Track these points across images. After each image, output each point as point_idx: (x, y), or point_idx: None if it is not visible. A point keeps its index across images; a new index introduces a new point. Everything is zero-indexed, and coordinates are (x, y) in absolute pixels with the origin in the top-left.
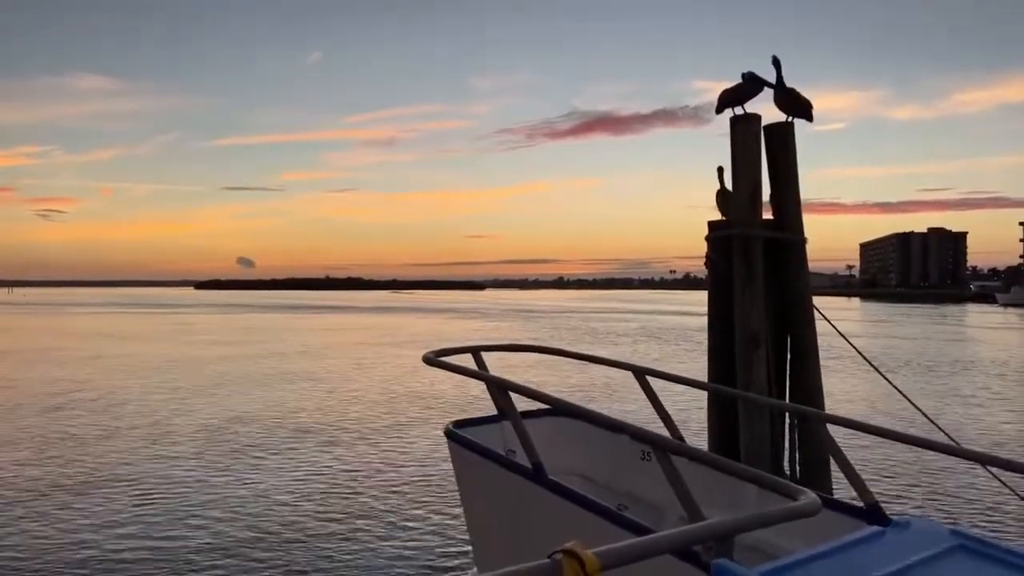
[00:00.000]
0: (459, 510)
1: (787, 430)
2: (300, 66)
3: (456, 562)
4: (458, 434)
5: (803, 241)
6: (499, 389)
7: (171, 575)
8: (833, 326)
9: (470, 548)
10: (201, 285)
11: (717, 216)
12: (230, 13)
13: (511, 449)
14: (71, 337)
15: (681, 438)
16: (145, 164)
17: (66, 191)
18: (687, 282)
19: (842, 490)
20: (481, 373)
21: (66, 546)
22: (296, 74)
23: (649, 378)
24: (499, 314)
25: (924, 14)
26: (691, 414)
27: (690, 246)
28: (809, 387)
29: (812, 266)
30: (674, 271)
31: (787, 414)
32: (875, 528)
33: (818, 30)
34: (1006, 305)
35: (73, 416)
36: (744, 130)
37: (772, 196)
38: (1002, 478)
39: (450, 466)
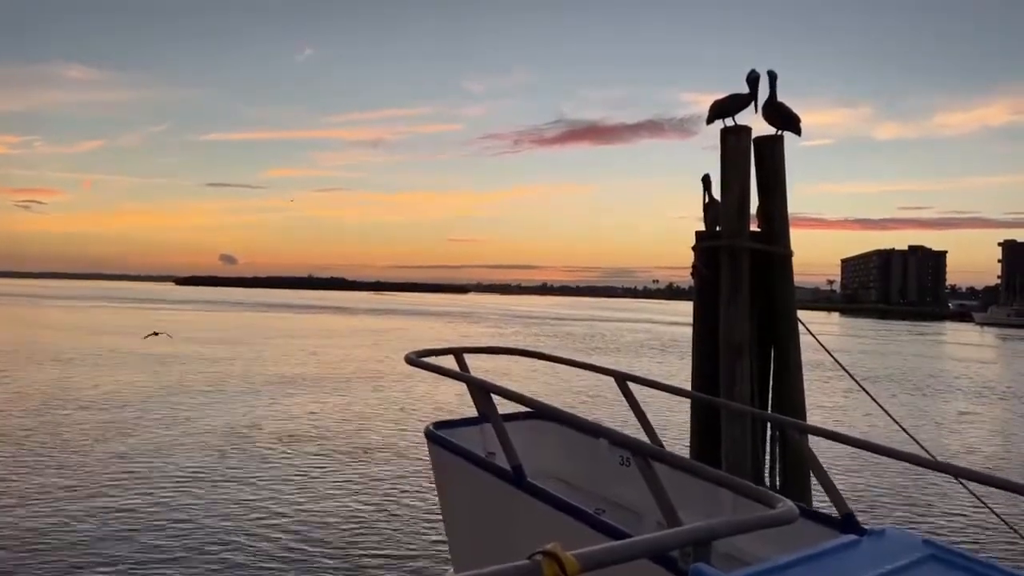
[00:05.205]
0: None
1: (768, 440)
2: (290, 63)
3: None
4: (438, 435)
5: (789, 254)
6: (480, 391)
7: (171, 570)
8: (817, 340)
9: (448, 549)
10: (182, 281)
11: (701, 227)
12: (222, 6)
13: (491, 451)
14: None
15: (661, 445)
16: (128, 157)
17: (47, 182)
18: (670, 292)
19: (820, 500)
20: (462, 374)
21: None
22: (285, 71)
23: (631, 384)
24: (497, 319)
25: (910, 36)
26: (672, 422)
27: (673, 256)
28: (791, 398)
29: (794, 280)
30: (657, 281)
31: (768, 424)
32: (850, 537)
33: (807, 47)
34: (983, 324)
35: None
36: (734, 141)
37: (759, 208)
38: (975, 491)
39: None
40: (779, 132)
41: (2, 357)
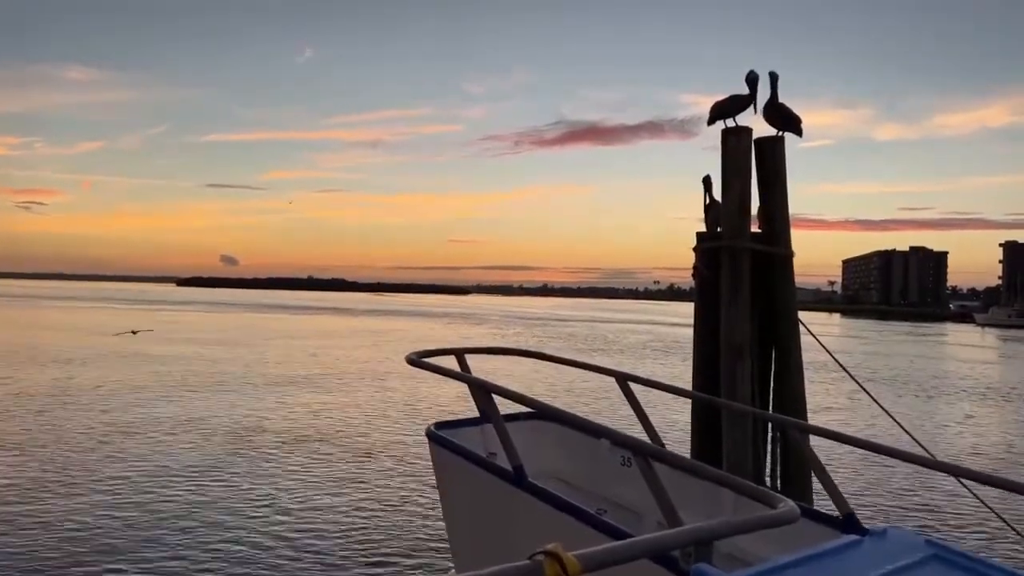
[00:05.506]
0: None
1: (769, 440)
2: (290, 63)
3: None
4: (439, 435)
5: (790, 255)
6: (482, 391)
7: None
8: (818, 340)
9: (449, 549)
10: (183, 282)
11: (702, 228)
12: (222, 6)
13: (492, 452)
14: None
15: (662, 445)
16: (128, 158)
17: (48, 183)
18: (671, 293)
19: (822, 500)
20: (463, 375)
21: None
22: (285, 71)
23: (632, 385)
24: (498, 320)
25: (910, 36)
26: (674, 422)
27: (674, 257)
28: (792, 399)
29: (795, 280)
30: (658, 282)
31: (769, 424)
32: (852, 537)
33: (807, 47)
34: (984, 325)
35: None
36: (735, 142)
37: (760, 209)
38: (976, 491)
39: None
40: (780, 133)
41: (4, 358)
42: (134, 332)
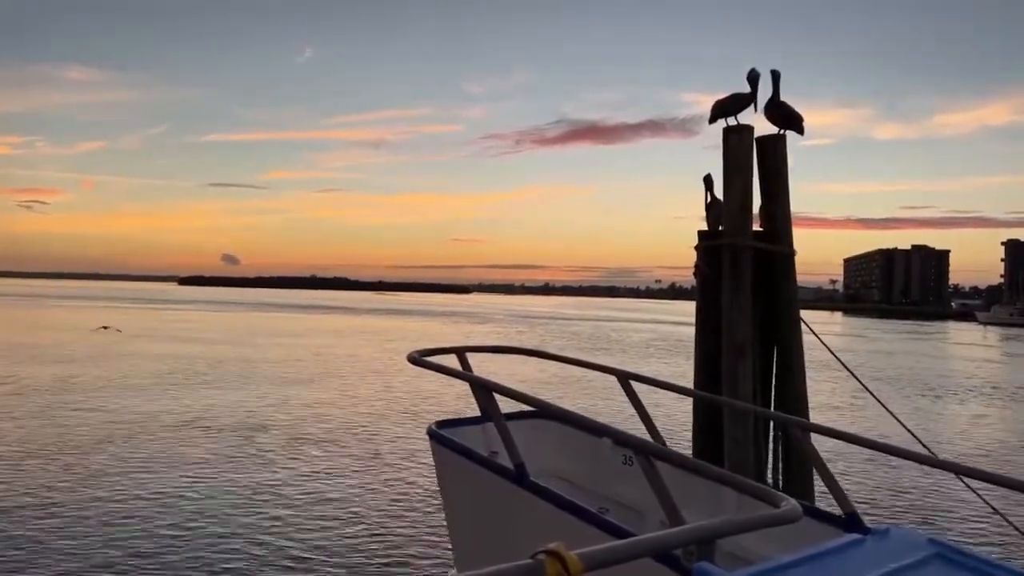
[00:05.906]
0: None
1: (771, 439)
2: (290, 64)
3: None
4: (441, 434)
5: (792, 253)
6: (483, 390)
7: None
8: (820, 339)
9: (450, 548)
10: (185, 281)
11: (703, 227)
12: (222, 6)
13: (494, 450)
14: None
15: (664, 443)
16: (129, 158)
17: (49, 182)
18: (672, 292)
19: (824, 499)
20: (465, 373)
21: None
22: (285, 71)
23: (633, 383)
24: (501, 319)
25: (910, 36)
26: (675, 421)
27: (675, 256)
28: (794, 397)
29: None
30: (659, 280)
31: (771, 423)
32: (854, 536)
33: (807, 47)
34: (986, 324)
35: None
36: (736, 140)
37: (762, 208)
38: (979, 490)
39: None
40: (781, 131)
41: (9, 356)
42: (106, 327)
